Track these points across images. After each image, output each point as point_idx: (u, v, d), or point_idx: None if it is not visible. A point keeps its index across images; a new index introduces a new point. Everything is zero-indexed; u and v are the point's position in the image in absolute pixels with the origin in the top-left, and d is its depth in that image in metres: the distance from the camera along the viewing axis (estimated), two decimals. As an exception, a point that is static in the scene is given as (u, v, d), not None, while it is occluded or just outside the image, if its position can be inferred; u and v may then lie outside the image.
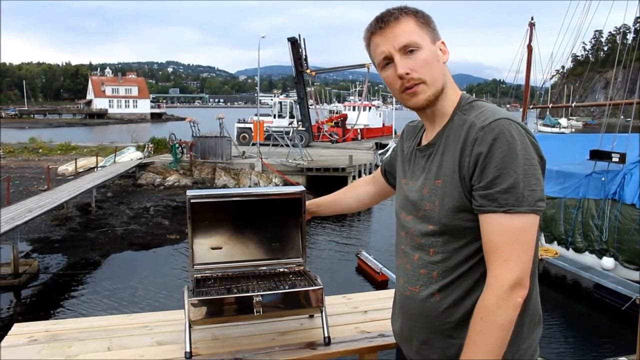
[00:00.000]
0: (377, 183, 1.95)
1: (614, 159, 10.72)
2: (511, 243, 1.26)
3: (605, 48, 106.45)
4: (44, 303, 10.47)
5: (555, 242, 11.60)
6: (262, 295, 1.77)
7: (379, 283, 11.08)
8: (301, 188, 2.00)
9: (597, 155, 11.12)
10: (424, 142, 1.50)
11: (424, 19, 1.41)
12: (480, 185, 1.28)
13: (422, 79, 1.38)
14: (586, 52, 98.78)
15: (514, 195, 1.24)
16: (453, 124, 1.39)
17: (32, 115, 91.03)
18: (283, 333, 1.94)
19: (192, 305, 1.72)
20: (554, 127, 53.71)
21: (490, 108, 1.36)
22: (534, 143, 1.29)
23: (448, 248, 1.37)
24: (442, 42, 1.43)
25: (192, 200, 1.90)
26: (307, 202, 2.01)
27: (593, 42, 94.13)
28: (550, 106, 23.05)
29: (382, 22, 1.40)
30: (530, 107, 18.95)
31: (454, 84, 1.46)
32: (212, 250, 1.99)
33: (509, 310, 1.25)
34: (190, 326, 1.75)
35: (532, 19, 18.15)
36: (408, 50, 1.37)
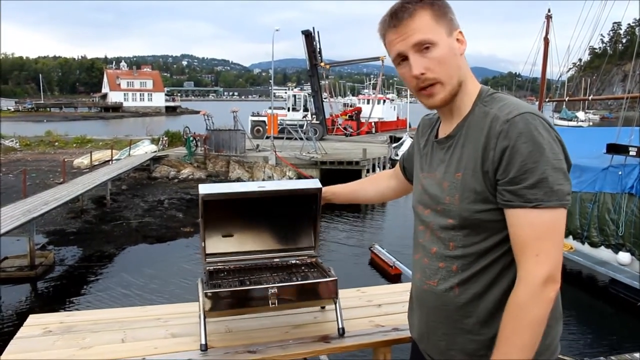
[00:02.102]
0: (397, 178, 1.92)
1: (631, 153, 10.58)
2: (542, 238, 1.23)
3: (624, 40, 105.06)
4: (60, 295, 10.58)
5: (571, 237, 11.49)
6: (277, 287, 1.76)
7: (392, 277, 11.06)
8: (317, 185, 1.95)
9: (614, 149, 10.98)
10: (441, 134, 1.47)
11: (441, 10, 1.34)
12: (506, 180, 1.25)
13: (437, 79, 1.35)
14: (604, 45, 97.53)
15: (542, 190, 1.22)
16: (474, 115, 1.36)
17: (48, 109, 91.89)
18: (297, 326, 1.93)
19: (207, 297, 1.72)
20: (571, 120, 53.13)
21: (513, 101, 1.33)
22: (558, 138, 1.27)
23: (468, 242, 1.35)
24: (460, 32, 1.37)
25: (205, 199, 1.86)
26: (323, 189, 1.98)
27: (611, 34, 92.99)
28: (566, 99, 22.79)
29: (396, 19, 1.34)
30: (547, 100, 18.76)
31: (472, 76, 1.41)
32: (224, 239, 1.98)
33: (542, 305, 1.23)
34: (205, 318, 1.75)
35: (549, 11, 17.92)
36: (423, 47, 1.33)
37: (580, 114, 57.81)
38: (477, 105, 1.36)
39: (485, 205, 1.30)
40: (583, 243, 11.17)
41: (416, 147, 1.63)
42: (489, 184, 1.29)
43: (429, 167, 1.48)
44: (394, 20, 1.35)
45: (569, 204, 1.25)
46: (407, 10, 1.32)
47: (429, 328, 1.49)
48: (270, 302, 1.75)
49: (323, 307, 2.04)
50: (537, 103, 17.99)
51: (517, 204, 1.24)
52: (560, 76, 21.85)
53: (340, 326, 1.87)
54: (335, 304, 1.87)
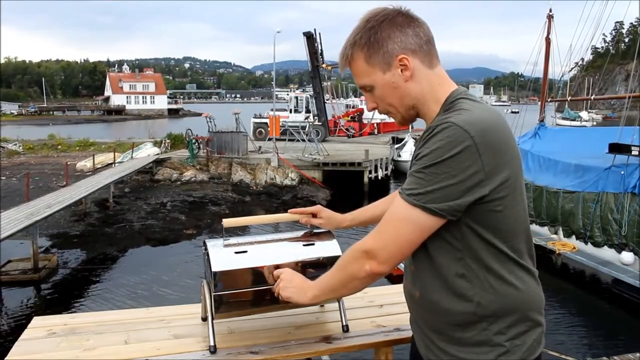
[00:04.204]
0: None
1: (633, 152, 10.58)
2: (388, 222, 1.34)
3: (627, 39, 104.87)
4: (63, 297, 10.62)
5: (574, 237, 11.49)
6: None
7: (394, 277, 11.02)
8: (337, 252, 1.87)
9: (617, 148, 10.99)
10: None
11: (373, 48, 1.39)
12: None
13: (385, 111, 1.48)
14: (606, 44, 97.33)
15: (409, 183, 1.30)
16: (434, 123, 1.37)
17: (51, 112, 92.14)
18: (299, 327, 1.94)
19: (214, 298, 1.72)
20: (574, 120, 53.06)
21: (466, 110, 1.31)
22: (472, 157, 1.23)
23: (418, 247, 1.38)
24: (402, 58, 1.37)
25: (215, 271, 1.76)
26: (343, 219, 1.94)
27: (614, 33, 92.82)
28: (569, 99, 22.74)
29: (342, 64, 1.47)
30: (549, 100, 18.72)
31: (440, 83, 1.42)
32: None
33: (355, 265, 1.38)
34: (213, 320, 1.75)
35: (550, 10, 17.87)
36: (366, 89, 1.46)
37: (584, 114, 57.73)
38: (440, 113, 1.38)
39: None
40: (586, 243, 11.17)
41: None
42: None
43: None
44: (341, 67, 1.49)
45: (433, 212, 1.26)
46: (345, 57, 1.45)
47: (414, 327, 1.55)
48: (280, 301, 1.74)
49: (322, 306, 2.05)
50: (539, 103, 17.96)
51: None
52: (562, 76, 21.80)
53: (344, 323, 1.89)
54: (339, 302, 1.89)
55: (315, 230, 1.94)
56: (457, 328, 1.35)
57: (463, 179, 1.24)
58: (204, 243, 1.82)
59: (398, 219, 1.31)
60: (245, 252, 1.79)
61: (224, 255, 1.77)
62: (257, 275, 1.77)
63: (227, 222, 1.86)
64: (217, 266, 1.73)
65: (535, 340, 1.36)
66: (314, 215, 1.91)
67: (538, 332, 1.38)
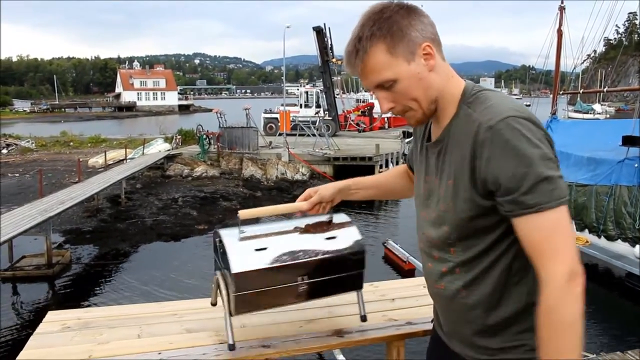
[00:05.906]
0: (410, 177, 1.85)
1: (647, 145, 10.47)
2: (552, 236, 1.20)
3: None
4: (77, 292, 10.71)
5: (587, 230, 11.39)
6: (306, 284, 1.73)
7: (405, 272, 11.05)
8: (361, 247, 1.86)
9: (630, 141, 10.87)
10: (433, 136, 1.44)
11: (396, 36, 1.28)
12: (501, 191, 1.22)
13: (406, 108, 1.35)
14: (619, 36, 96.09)
15: (540, 193, 1.18)
16: (458, 119, 1.33)
17: (63, 109, 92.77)
18: (310, 321, 1.94)
19: (234, 295, 1.66)
20: (586, 113, 52.54)
21: (496, 102, 1.28)
22: (546, 137, 1.24)
23: (466, 246, 1.34)
24: (426, 46, 1.30)
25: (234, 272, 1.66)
26: (344, 182, 1.86)
27: (626, 24, 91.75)
28: (581, 92, 22.58)
29: (350, 66, 1.33)
30: (561, 92, 18.56)
31: (453, 75, 1.38)
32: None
33: (572, 302, 1.18)
34: (231, 317, 1.71)
35: (562, 2, 17.68)
36: (386, 86, 1.31)
37: (597, 106, 57.13)
38: (462, 107, 1.33)
39: (479, 212, 1.29)
40: (599, 237, 11.06)
41: (414, 148, 1.61)
42: (481, 192, 1.27)
43: (426, 170, 1.47)
44: (349, 66, 1.34)
45: (567, 198, 1.23)
46: (358, 54, 1.30)
47: (447, 327, 1.51)
48: (299, 296, 1.73)
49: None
50: (551, 96, 17.80)
51: (519, 212, 1.21)
52: (574, 68, 21.59)
53: (362, 313, 1.90)
54: (358, 293, 1.89)
55: (333, 215, 1.87)
56: (490, 328, 1.35)
57: (553, 162, 1.23)
58: (217, 233, 1.74)
59: (560, 229, 1.21)
60: (265, 249, 1.72)
61: (242, 251, 1.68)
62: (278, 273, 1.70)
63: (243, 213, 1.79)
64: (236, 267, 1.64)
65: None
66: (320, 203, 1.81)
67: None
